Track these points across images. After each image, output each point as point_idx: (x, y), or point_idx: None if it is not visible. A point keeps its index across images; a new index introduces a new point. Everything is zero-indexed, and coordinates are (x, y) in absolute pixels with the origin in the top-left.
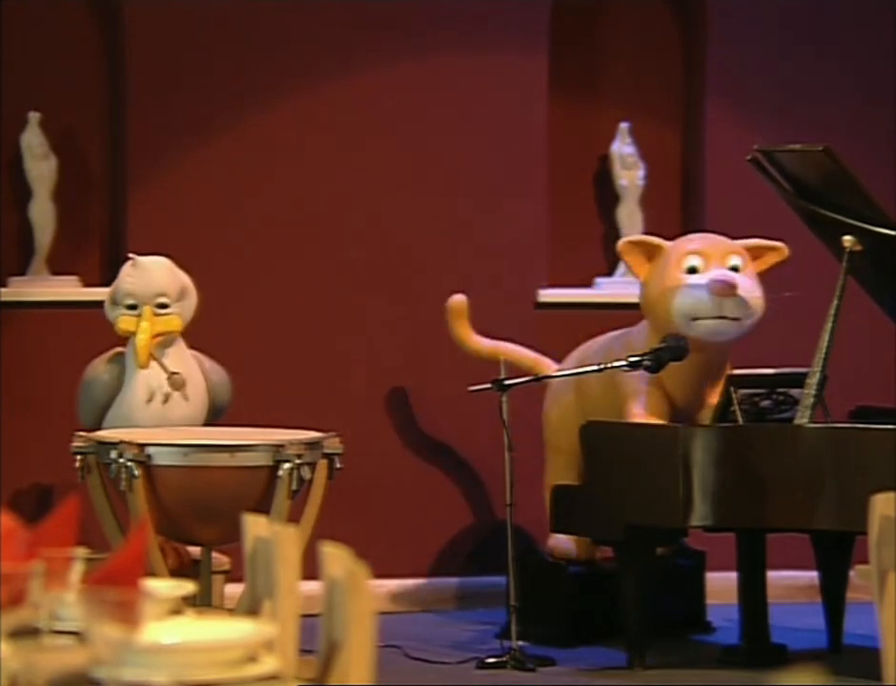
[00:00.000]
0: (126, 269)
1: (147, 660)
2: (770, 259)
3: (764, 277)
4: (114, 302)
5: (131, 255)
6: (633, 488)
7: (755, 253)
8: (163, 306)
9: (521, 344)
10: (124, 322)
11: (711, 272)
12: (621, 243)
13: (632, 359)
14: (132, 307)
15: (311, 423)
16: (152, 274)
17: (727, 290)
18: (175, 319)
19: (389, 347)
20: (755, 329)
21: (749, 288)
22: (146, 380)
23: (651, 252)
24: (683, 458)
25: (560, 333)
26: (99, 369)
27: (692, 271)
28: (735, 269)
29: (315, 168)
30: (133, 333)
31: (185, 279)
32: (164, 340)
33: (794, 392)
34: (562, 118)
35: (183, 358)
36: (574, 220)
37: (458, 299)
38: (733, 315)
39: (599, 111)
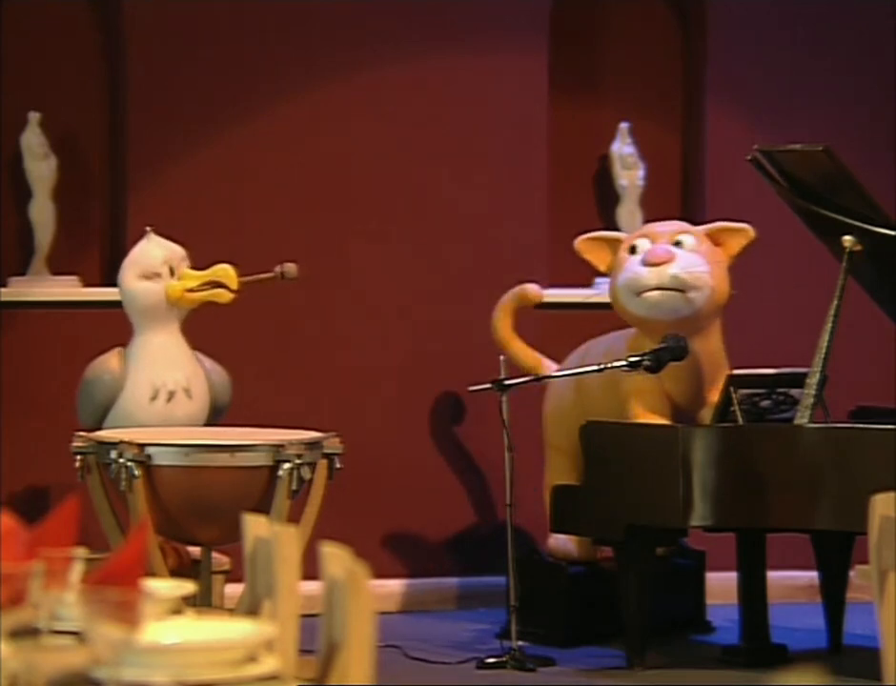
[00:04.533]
0: (144, 244)
1: (147, 660)
2: (737, 242)
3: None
4: (152, 275)
5: (148, 228)
6: (633, 488)
7: (719, 238)
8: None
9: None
10: (175, 289)
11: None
12: (577, 241)
13: (632, 359)
14: (171, 273)
15: (311, 423)
16: (169, 243)
17: (661, 257)
18: None
19: (389, 347)
20: (755, 329)
21: (692, 261)
22: (150, 379)
23: (611, 247)
24: (683, 458)
25: (560, 333)
26: (99, 369)
27: (640, 250)
28: (690, 246)
29: (314, 168)
30: (202, 286)
31: None
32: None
33: (794, 392)
34: (562, 118)
35: (186, 355)
36: (574, 220)
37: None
38: (672, 286)
39: (599, 111)
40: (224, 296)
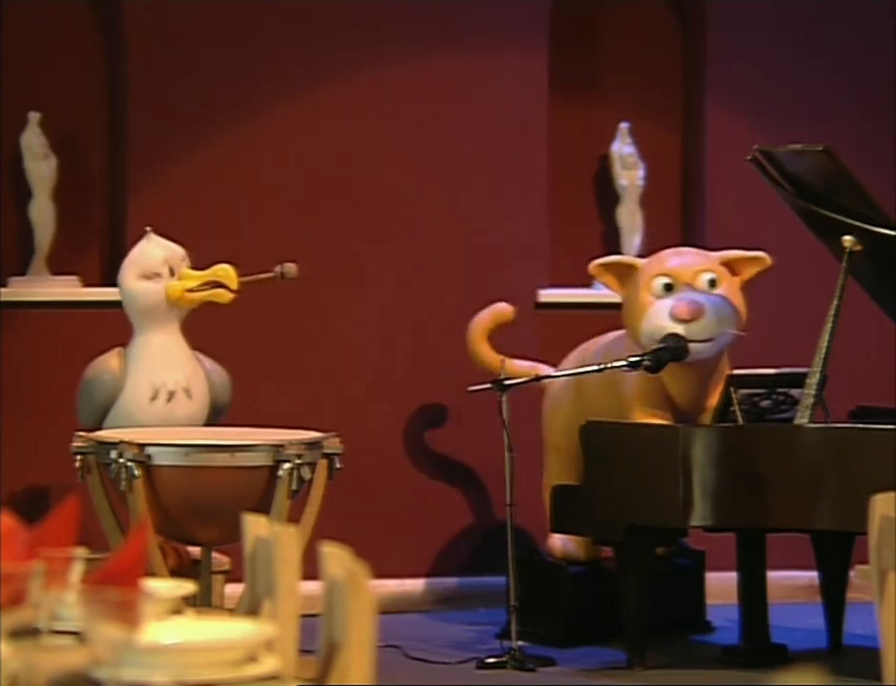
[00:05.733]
0: (144, 244)
1: (147, 660)
2: (751, 270)
3: (755, 282)
4: (153, 276)
5: (148, 228)
6: (633, 488)
7: (734, 266)
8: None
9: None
10: (175, 289)
11: (677, 295)
12: (592, 266)
13: (632, 359)
14: (171, 273)
15: (311, 423)
16: (169, 243)
17: (691, 314)
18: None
19: (389, 347)
20: (755, 329)
21: (720, 307)
22: (150, 379)
23: (626, 271)
24: (683, 458)
25: (560, 333)
26: (100, 368)
27: (664, 290)
28: (713, 283)
29: (314, 169)
30: (202, 286)
31: None
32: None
33: (794, 392)
34: (562, 118)
35: (185, 355)
36: (574, 220)
37: (505, 309)
38: (701, 338)
39: (599, 111)
40: (224, 296)
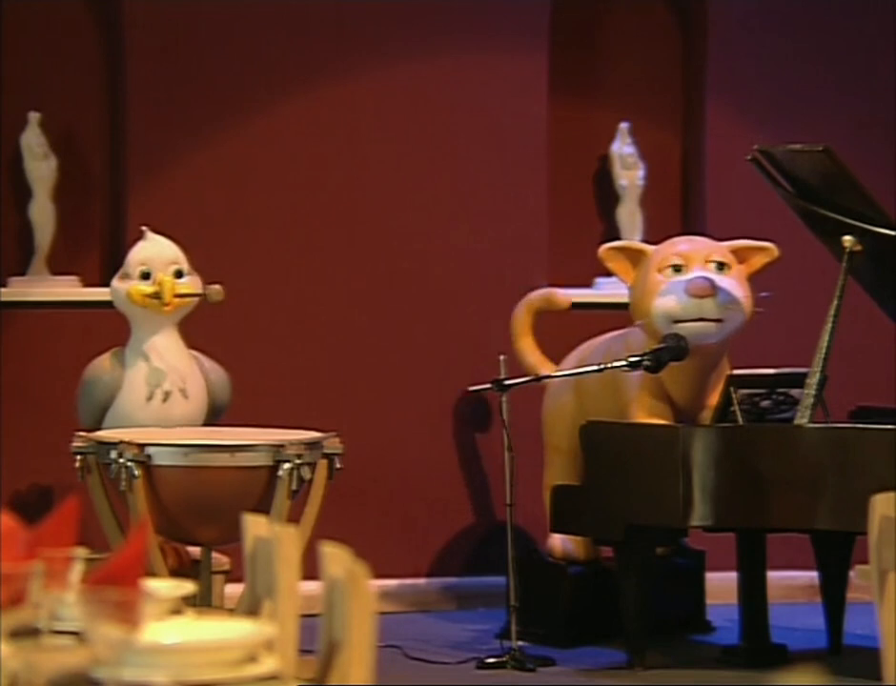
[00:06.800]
0: (138, 244)
1: (147, 660)
2: (759, 260)
3: (757, 278)
4: (125, 276)
5: (143, 228)
6: (633, 488)
7: (742, 255)
8: (178, 274)
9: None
10: (136, 290)
11: (690, 273)
12: (602, 250)
13: (632, 359)
14: (146, 276)
15: (311, 423)
16: (165, 244)
17: (705, 290)
18: (196, 282)
19: (389, 347)
20: (755, 329)
21: (731, 288)
22: (146, 379)
23: (635, 258)
24: (683, 458)
25: (560, 333)
26: (99, 369)
27: (674, 272)
28: (721, 267)
29: (315, 169)
30: (150, 296)
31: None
32: (183, 304)
33: (794, 392)
34: (562, 118)
35: (182, 355)
36: (574, 220)
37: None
38: (713, 317)
39: (599, 111)
40: (160, 309)
